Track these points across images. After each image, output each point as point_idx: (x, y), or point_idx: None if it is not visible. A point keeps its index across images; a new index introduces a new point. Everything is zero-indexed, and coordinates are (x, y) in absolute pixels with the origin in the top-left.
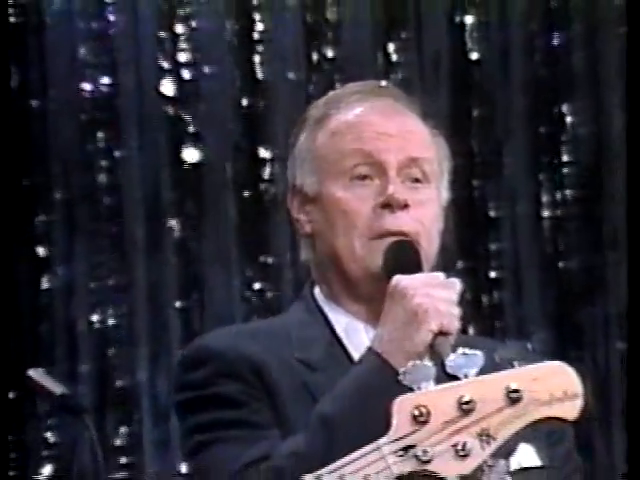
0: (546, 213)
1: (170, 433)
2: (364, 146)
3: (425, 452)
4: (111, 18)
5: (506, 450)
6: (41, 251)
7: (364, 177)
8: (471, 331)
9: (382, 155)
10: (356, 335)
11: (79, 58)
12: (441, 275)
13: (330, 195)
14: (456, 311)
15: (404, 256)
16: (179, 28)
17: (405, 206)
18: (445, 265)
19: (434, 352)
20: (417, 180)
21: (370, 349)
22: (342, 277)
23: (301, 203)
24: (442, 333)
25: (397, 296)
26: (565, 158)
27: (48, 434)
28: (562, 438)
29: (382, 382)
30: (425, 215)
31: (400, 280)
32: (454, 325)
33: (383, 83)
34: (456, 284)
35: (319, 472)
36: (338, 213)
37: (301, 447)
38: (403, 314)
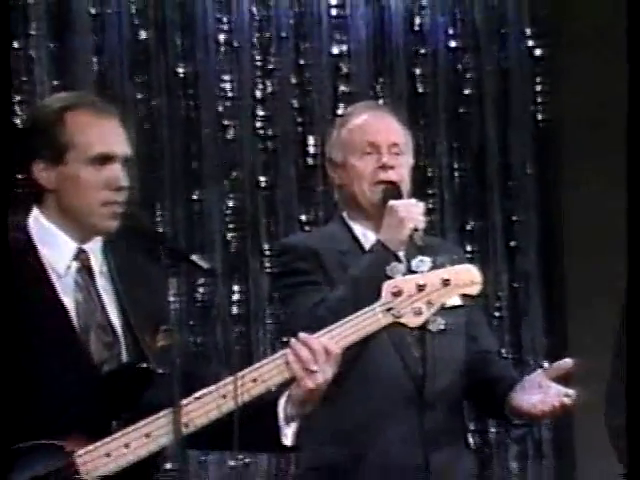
0: (459, 165)
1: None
2: (368, 137)
3: (398, 312)
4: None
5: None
6: (196, 196)
7: (368, 153)
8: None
9: (378, 140)
10: (368, 237)
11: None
12: (414, 200)
13: (350, 163)
14: (422, 218)
15: (393, 193)
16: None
17: (391, 167)
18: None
19: (412, 241)
20: (397, 154)
21: (377, 240)
22: (358, 207)
23: (334, 168)
24: (416, 230)
25: (391, 211)
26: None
27: (200, 289)
28: None
29: (384, 257)
30: (403, 172)
31: (393, 203)
32: (422, 225)
33: (378, 102)
34: (421, 205)
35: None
36: (354, 172)
37: (341, 293)
38: (394, 220)
